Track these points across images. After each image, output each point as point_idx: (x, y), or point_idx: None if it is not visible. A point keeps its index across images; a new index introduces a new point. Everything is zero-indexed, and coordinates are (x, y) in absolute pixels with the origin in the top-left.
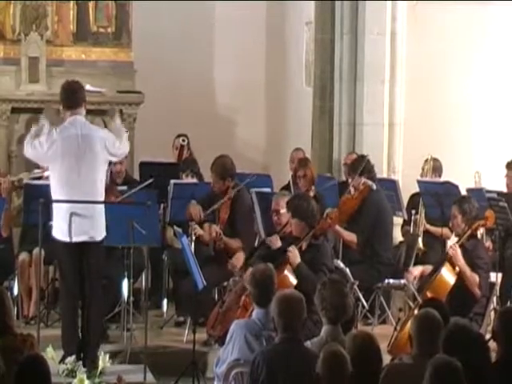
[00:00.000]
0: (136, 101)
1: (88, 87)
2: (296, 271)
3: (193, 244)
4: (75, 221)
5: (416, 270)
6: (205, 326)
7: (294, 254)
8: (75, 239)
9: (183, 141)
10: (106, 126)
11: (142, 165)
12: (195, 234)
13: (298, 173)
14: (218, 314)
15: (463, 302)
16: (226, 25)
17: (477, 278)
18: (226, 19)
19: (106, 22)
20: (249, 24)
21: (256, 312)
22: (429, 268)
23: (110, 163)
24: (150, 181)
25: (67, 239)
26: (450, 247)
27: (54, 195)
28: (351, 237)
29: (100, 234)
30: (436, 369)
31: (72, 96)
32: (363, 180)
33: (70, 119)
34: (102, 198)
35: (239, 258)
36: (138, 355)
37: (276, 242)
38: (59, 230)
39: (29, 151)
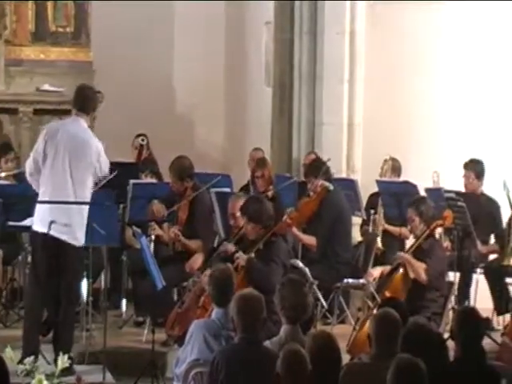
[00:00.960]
0: None
1: (47, 87)
2: (247, 266)
3: (152, 244)
4: (56, 218)
5: (375, 271)
6: (164, 327)
7: (241, 257)
8: (53, 233)
9: (142, 140)
10: None
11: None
12: (154, 234)
13: (256, 173)
14: (177, 314)
15: (421, 302)
16: (186, 24)
17: (423, 266)
18: (186, 19)
19: (64, 22)
20: (208, 24)
21: (215, 312)
22: (387, 269)
23: None
24: (114, 174)
25: (45, 230)
26: (401, 257)
27: (42, 187)
28: (310, 240)
29: (79, 239)
30: (399, 368)
31: (84, 100)
32: (320, 182)
33: (73, 117)
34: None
35: (196, 260)
36: (96, 355)
37: (230, 249)
38: (39, 221)
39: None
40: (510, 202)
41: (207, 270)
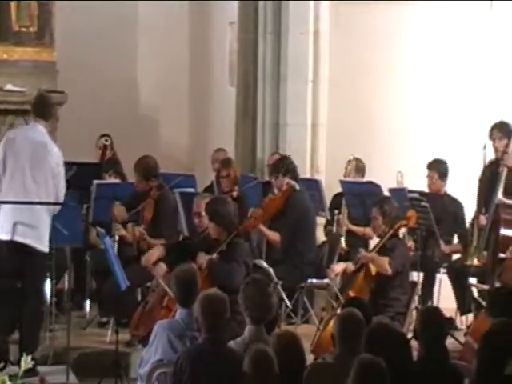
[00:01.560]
0: (59, 100)
1: (10, 87)
2: (208, 267)
3: (116, 244)
4: (20, 224)
5: (338, 267)
6: (128, 327)
7: (201, 260)
8: (18, 239)
9: (106, 141)
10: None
11: (65, 165)
12: (118, 235)
13: (221, 173)
14: (141, 315)
15: (385, 301)
16: (149, 24)
17: (387, 260)
18: (149, 19)
19: (28, 22)
20: (172, 24)
21: (179, 312)
22: (351, 265)
23: None
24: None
25: (8, 237)
26: (364, 257)
27: (3, 195)
28: (275, 236)
29: (45, 244)
30: (361, 367)
31: (43, 107)
32: (286, 180)
33: (31, 123)
34: (50, 211)
35: (153, 253)
36: (60, 356)
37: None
38: (1, 229)
39: None
40: (484, 161)
41: (161, 263)
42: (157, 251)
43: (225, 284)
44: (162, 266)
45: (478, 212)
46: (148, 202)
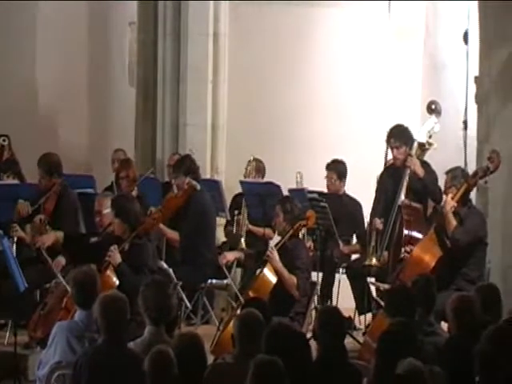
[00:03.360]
0: None
1: None
2: (117, 271)
3: (14, 246)
4: None
5: (230, 255)
6: (26, 329)
7: (115, 255)
8: None
9: (4, 141)
10: None
11: None
12: (16, 236)
13: (121, 174)
14: (39, 316)
15: (284, 302)
16: (48, 25)
17: (295, 280)
18: (48, 19)
19: None
20: (71, 24)
21: (78, 314)
22: (242, 255)
23: None
24: None
25: None
26: (268, 250)
27: None
28: (174, 235)
29: None
30: (258, 368)
31: None
32: (187, 180)
33: None
34: None
35: (50, 236)
36: None
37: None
38: None
39: None
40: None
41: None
42: (54, 236)
43: (130, 293)
44: (61, 260)
45: (374, 214)
46: (50, 194)
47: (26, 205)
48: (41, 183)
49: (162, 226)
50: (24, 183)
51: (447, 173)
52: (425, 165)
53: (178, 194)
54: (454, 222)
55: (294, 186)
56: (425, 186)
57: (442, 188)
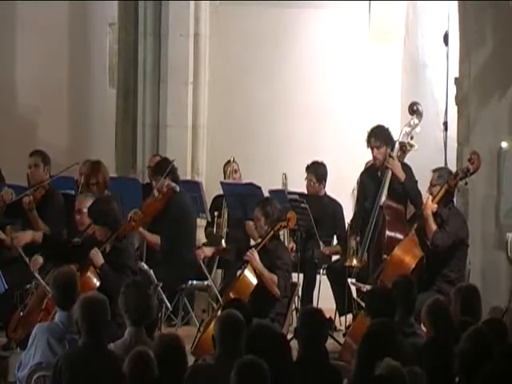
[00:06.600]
0: None
1: None
2: (100, 272)
3: None
4: None
5: (208, 250)
6: (5, 330)
7: (97, 256)
8: None
9: None
10: None
11: None
12: None
13: (91, 180)
14: (19, 317)
15: (265, 303)
16: (28, 24)
17: (275, 278)
18: (28, 19)
19: None
20: (51, 24)
21: (59, 315)
22: (220, 250)
23: None
24: None
25: None
26: (249, 252)
27: None
28: (155, 238)
29: None
30: (242, 368)
31: None
32: (167, 182)
33: None
34: None
35: (27, 234)
36: None
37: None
38: None
39: None
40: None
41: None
42: (31, 235)
43: (111, 293)
44: (39, 259)
45: (357, 214)
46: (39, 187)
47: (11, 192)
48: (32, 174)
49: (142, 230)
50: (4, 183)
51: (434, 171)
52: (405, 167)
53: (157, 197)
54: (434, 227)
55: (274, 187)
56: (405, 191)
57: (422, 190)
